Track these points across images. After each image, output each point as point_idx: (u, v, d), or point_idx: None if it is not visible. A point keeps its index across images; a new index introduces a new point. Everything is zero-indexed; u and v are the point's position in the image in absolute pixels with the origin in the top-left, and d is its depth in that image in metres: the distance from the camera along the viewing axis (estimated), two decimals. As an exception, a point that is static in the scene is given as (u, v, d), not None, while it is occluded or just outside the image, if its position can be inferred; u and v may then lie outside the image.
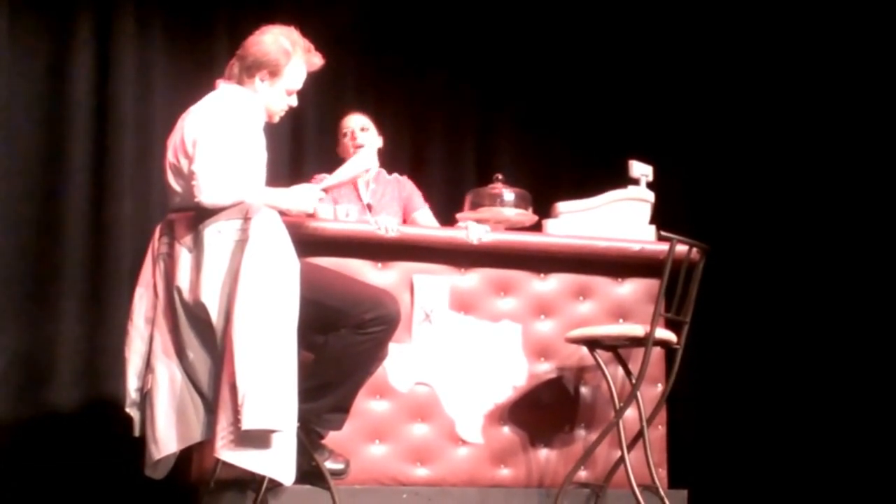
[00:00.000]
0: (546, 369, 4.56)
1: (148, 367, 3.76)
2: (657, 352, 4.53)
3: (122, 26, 5.56)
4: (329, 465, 3.95)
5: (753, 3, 5.96)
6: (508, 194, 4.66)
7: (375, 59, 6.11)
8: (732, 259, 5.55)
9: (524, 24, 6.37)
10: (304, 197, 3.88)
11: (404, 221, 5.01)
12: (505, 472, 4.47)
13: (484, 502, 4.36)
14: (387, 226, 4.31)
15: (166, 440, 3.67)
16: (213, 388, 3.63)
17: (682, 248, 4.27)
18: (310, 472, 3.91)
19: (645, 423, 4.32)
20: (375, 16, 6.14)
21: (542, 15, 6.38)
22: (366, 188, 5.06)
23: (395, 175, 5.15)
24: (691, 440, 5.37)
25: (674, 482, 4.61)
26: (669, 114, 6.22)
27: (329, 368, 3.85)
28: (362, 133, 5.04)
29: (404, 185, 5.11)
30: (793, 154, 5.81)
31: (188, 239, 3.72)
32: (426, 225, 4.96)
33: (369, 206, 4.99)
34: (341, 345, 3.83)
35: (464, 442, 4.44)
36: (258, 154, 3.80)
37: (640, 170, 4.67)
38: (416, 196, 5.09)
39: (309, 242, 4.09)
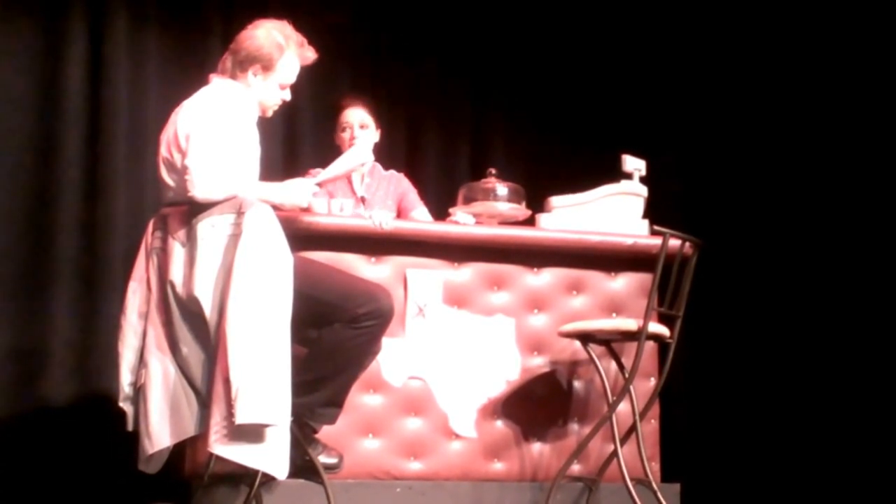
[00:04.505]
0: (539, 363, 4.57)
1: (141, 361, 3.76)
2: (650, 346, 4.53)
3: (116, 20, 5.54)
4: (323, 459, 3.96)
5: (746, -2, 5.98)
6: (502, 189, 4.66)
7: (369, 53, 6.11)
8: (725, 253, 5.55)
9: (518, 18, 6.37)
10: (298, 191, 3.88)
11: (399, 218, 5.01)
12: (498, 466, 4.48)
13: (477, 496, 4.37)
14: (381, 220, 4.32)
15: (160, 435, 3.67)
16: (207, 382, 3.63)
17: (674, 243, 4.28)
18: (303, 467, 3.91)
19: (638, 417, 4.33)
20: (369, 9, 6.13)
21: (536, 9, 6.38)
22: (360, 182, 5.06)
23: (392, 171, 5.15)
24: (684, 434, 5.39)
25: (667, 476, 4.62)
26: (663, 108, 6.22)
27: (322, 363, 3.86)
28: (361, 130, 5.03)
29: (400, 182, 5.11)
30: (786, 149, 5.81)
31: (181, 233, 3.72)
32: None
33: (363, 200, 4.99)
34: (335, 339, 3.84)
35: (457, 436, 4.45)
36: (251, 148, 3.80)
37: (633, 164, 4.67)
38: (412, 194, 5.08)
39: (302, 237, 4.10)
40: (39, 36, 5.43)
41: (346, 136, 4.99)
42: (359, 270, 4.30)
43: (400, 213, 4.98)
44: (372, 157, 4.53)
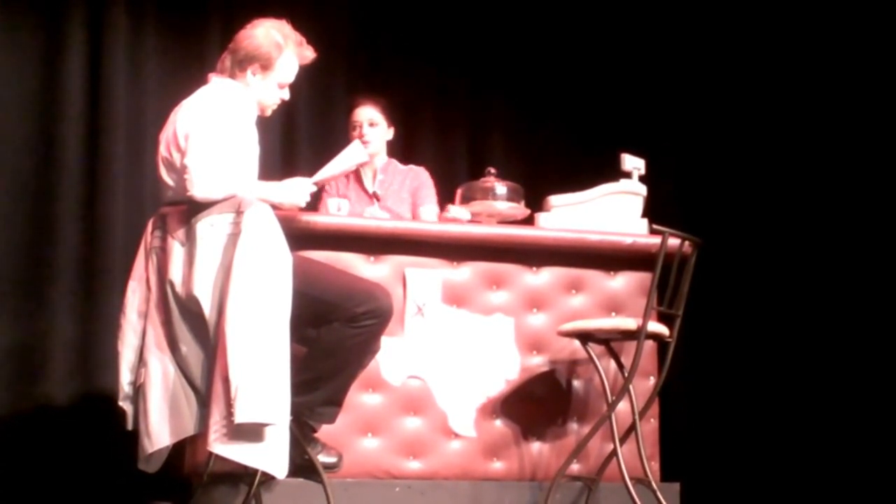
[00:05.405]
0: (538, 363, 4.57)
1: (141, 360, 3.77)
2: (649, 345, 4.53)
3: (115, 20, 5.55)
4: (322, 458, 3.96)
5: (745, -3, 5.99)
6: (501, 188, 4.66)
7: (367, 53, 6.11)
8: (724, 252, 5.55)
9: (517, 17, 6.37)
10: (297, 191, 3.88)
11: (413, 213, 5.03)
12: (497, 466, 4.48)
13: (476, 495, 4.37)
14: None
15: (159, 434, 3.67)
16: (206, 381, 3.63)
17: (674, 242, 4.28)
18: (303, 466, 3.92)
19: (637, 417, 4.33)
20: (367, 9, 6.14)
21: (534, 8, 6.38)
22: (372, 179, 5.08)
23: (411, 166, 5.17)
24: (684, 433, 5.39)
25: (666, 475, 4.62)
26: (662, 107, 6.22)
27: (322, 362, 3.86)
28: (371, 129, 5.04)
29: (417, 176, 5.12)
30: (785, 148, 5.81)
31: (181, 233, 3.72)
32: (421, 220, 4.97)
33: (375, 196, 5.00)
34: (334, 338, 3.84)
35: (456, 435, 4.45)
36: (250, 148, 3.80)
37: (632, 163, 4.67)
38: (425, 189, 5.08)
39: (301, 236, 4.10)
40: (39, 36, 5.44)
41: (355, 134, 5.01)
42: (358, 269, 4.30)
43: (413, 209, 5.01)
44: (377, 155, 4.52)
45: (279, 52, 3.94)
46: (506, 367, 4.53)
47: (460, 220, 4.61)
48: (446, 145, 6.28)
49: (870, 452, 5.30)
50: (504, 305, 4.54)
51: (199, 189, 3.65)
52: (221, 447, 3.56)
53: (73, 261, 5.36)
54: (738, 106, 5.99)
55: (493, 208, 4.62)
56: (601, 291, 4.64)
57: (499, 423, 4.50)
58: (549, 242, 4.54)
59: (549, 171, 5.96)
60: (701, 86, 6.13)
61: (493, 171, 4.73)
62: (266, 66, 3.93)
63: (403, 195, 5.05)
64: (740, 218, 5.88)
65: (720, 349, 5.84)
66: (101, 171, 5.45)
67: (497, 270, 4.55)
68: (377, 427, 4.36)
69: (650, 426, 4.61)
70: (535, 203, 4.66)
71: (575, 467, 4.48)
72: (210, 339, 3.64)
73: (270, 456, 3.58)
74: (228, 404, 3.52)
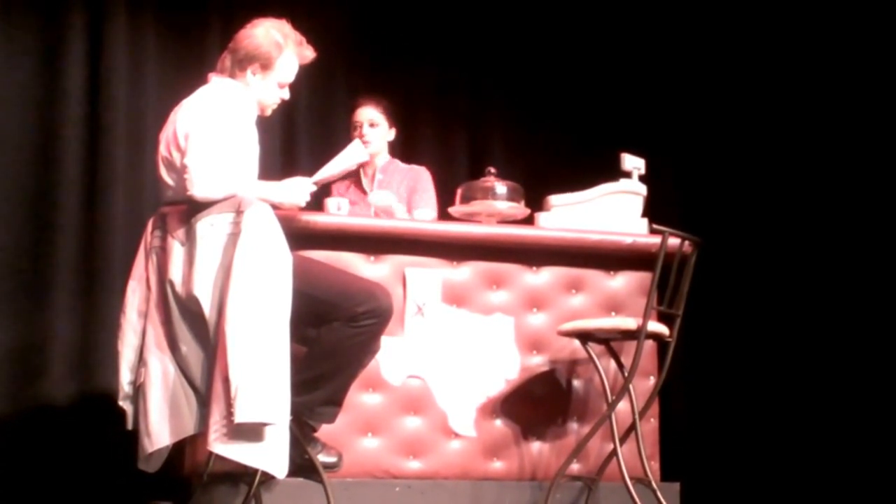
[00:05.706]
0: (538, 362, 4.57)
1: (141, 360, 3.77)
2: (649, 345, 4.53)
3: (116, 20, 5.55)
4: (322, 458, 3.96)
5: (745, -2, 5.99)
6: (501, 187, 4.65)
7: (367, 52, 6.11)
8: (724, 252, 5.55)
9: (517, 16, 6.37)
10: (297, 190, 3.88)
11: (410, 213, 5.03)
12: (497, 465, 4.48)
13: (476, 495, 4.37)
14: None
15: (159, 433, 3.67)
16: (206, 381, 3.63)
17: (674, 242, 4.28)
18: (303, 465, 3.92)
19: (637, 416, 4.33)
20: (367, 8, 6.14)
21: (534, 8, 6.38)
22: (372, 179, 5.08)
23: (412, 166, 5.17)
24: (684, 433, 5.39)
25: (666, 475, 4.62)
26: (662, 107, 6.22)
27: (322, 361, 3.86)
28: (371, 129, 5.05)
29: (417, 176, 5.13)
30: (785, 147, 5.81)
31: (181, 232, 3.72)
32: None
33: None
34: (334, 338, 3.84)
35: (456, 435, 4.44)
36: (250, 147, 3.81)
37: (632, 163, 4.67)
38: (421, 192, 5.08)
39: (301, 236, 4.10)
40: (39, 36, 5.44)
41: (356, 134, 5.02)
42: (358, 269, 4.30)
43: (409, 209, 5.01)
44: (378, 155, 4.49)
45: (279, 51, 3.94)
46: (506, 367, 4.53)
47: (387, 208, 4.64)
48: (446, 145, 6.28)
49: (870, 452, 5.30)
50: (504, 305, 4.54)
51: (198, 189, 3.65)
52: (221, 447, 3.56)
53: (73, 261, 5.36)
54: (738, 106, 5.98)
55: (493, 208, 4.61)
56: (601, 291, 4.64)
57: (499, 423, 4.50)
58: (549, 242, 4.54)
59: (549, 171, 5.95)
60: (700, 86, 6.13)
61: (493, 171, 4.72)
62: (266, 65, 3.93)
63: (401, 194, 5.05)
64: (740, 218, 5.88)
65: (720, 349, 5.84)
66: (101, 172, 5.45)
67: (497, 270, 4.55)
68: (377, 427, 4.36)
69: (650, 426, 4.61)
70: (535, 203, 4.66)
71: (575, 467, 4.48)
72: (210, 338, 3.64)
73: (270, 456, 3.58)
74: (228, 404, 3.52)
